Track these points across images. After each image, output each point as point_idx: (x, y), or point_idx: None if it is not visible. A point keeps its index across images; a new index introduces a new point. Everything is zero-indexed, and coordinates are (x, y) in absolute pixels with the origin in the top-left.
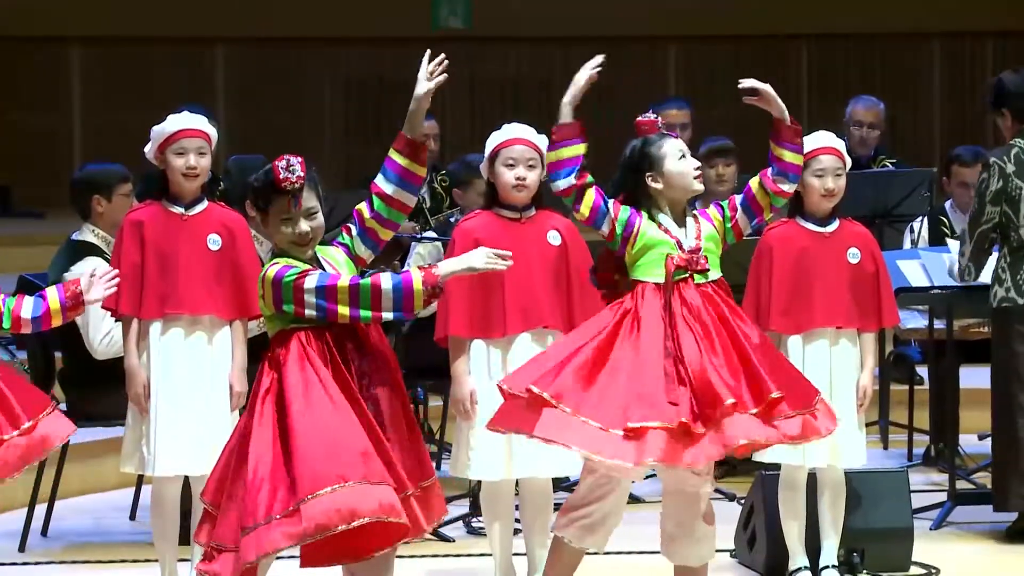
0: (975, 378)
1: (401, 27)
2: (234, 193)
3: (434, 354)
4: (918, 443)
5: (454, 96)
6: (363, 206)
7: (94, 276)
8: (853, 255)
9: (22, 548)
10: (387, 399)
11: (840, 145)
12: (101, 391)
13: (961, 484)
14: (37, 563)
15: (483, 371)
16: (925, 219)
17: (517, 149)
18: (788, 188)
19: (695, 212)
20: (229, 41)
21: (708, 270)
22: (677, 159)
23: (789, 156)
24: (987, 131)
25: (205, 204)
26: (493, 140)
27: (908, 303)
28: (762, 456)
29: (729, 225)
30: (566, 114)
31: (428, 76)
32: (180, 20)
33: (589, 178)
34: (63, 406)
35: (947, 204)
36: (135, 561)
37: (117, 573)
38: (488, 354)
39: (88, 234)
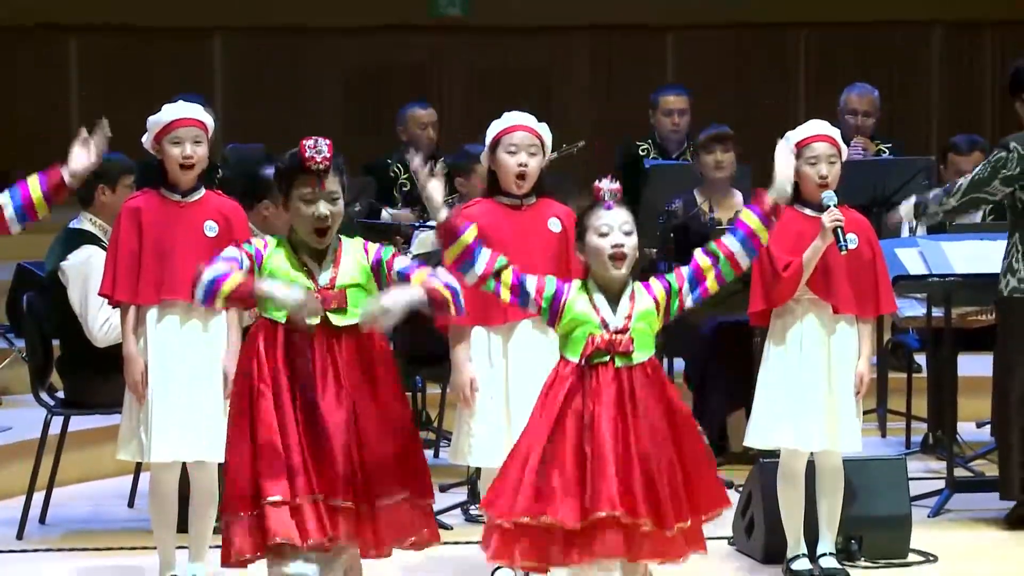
0: (973, 366)
1: (399, 15)
2: (232, 181)
3: (433, 341)
4: (916, 431)
5: (452, 85)
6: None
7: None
8: (851, 241)
9: (20, 535)
10: (343, 406)
11: (834, 133)
12: (98, 379)
13: (959, 472)
14: (35, 550)
15: (484, 358)
16: None
17: (518, 136)
18: (734, 249)
19: (635, 286)
20: (227, 30)
21: (631, 352)
22: (598, 235)
23: (751, 221)
24: (985, 120)
25: (202, 192)
26: (494, 128)
27: (906, 291)
28: (757, 442)
29: (676, 302)
30: (440, 215)
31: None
32: (178, 10)
33: (499, 260)
34: (60, 394)
35: None
36: (133, 548)
37: (115, 560)
38: (489, 341)
39: (86, 223)
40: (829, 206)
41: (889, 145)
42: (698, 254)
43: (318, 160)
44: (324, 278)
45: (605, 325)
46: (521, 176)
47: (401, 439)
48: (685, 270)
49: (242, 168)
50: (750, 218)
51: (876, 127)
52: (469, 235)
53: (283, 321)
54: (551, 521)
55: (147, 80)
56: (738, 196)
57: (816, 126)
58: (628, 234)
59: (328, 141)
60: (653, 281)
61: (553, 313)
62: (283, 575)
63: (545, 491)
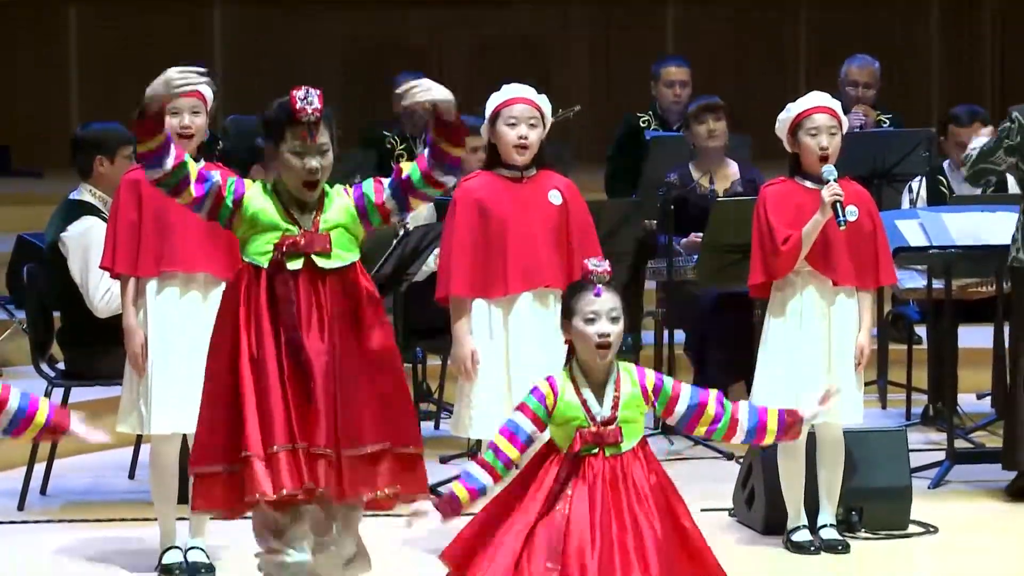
0: (973, 338)
1: None
2: (233, 153)
3: (434, 313)
4: (916, 402)
5: (452, 57)
6: (409, 166)
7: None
8: (851, 213)
9: (21, 507)
10: (327, 350)
11: (835, 105)
12: (99, 350)
13: (959, 443)
14: (36, 521)
15: (484, 331)
16: (924, 179)
17: (518, 108)
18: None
19: (621, 368)
20: (227, 1)
21: (620, 443)
22: (584, 320)
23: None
24: (985, 92)
25: (201, 164)
26: (493, 100)
27: (907, 263)
28: None
29: (663, 407)
30: None
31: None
32: None
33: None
34: (61, 365)
35: (945, 164)
36: (134, 520)
37: (116, 532)
38: (490, 313)
39: (86, 194)
40: (829, 180)
41: (890, 116)
42: (712, 399)
43: (309, 111)
44: (307, 222)
45: (592, 418)
46: (521, 148)
47: (387, 382)
48: (686, 389)
49: (242, 139)
50: (772, 418)
51: (876, 98)
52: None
53: (266, 266)
54: None
55: (146, 50)
56: (733, 166)
57: (817, 98)
58: (615, 320)
59: (319, 91)
60: (648, 372)
61: (548, 412)
62: (276, 563)
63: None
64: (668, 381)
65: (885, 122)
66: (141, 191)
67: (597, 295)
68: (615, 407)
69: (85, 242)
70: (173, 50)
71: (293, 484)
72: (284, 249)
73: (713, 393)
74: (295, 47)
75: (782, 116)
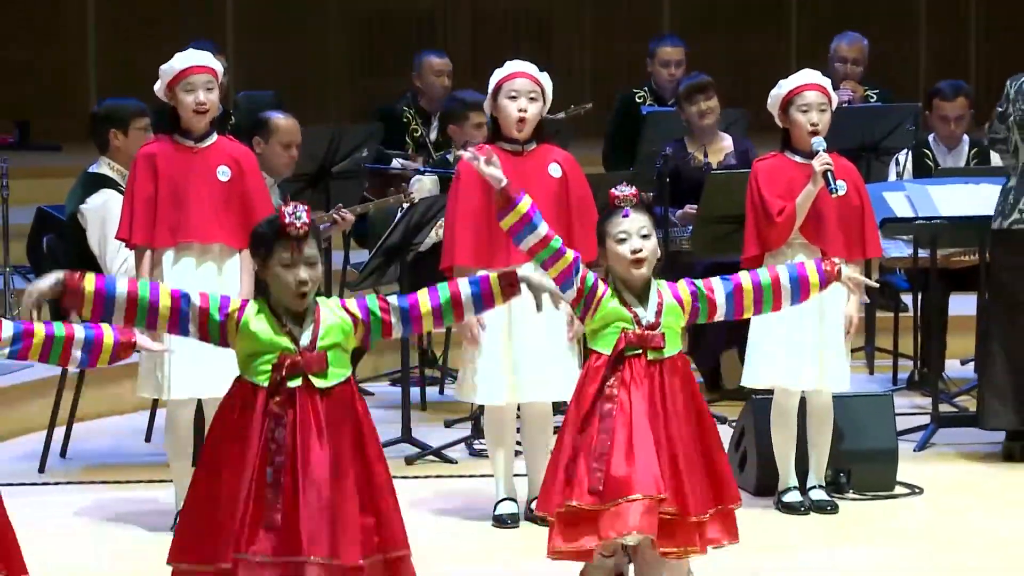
0: (958, 305)
1: None
2: (244, 127)
3: (438, 282)
4: (902, 368)
5: (457, 29)
6: (425, 296)
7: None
8: (841, 187)
9: (42, 469)
10: (324, 463)
11: (825, 82)
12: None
13: (944, 407)
14: (56, 483)
15: None
16: (910, 152)
17: (519, 82)
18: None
19: (659, 284)
20: None
21: (663, 347)
22: (616, 241)
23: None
24: (970, 65)
25: (215, 138)
26: (495, 76)
27: (893, 233)
28: (753, 382)
29: (705, 306)
30: (500, 185)
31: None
32: None
33: (555, 239)
34: None
35: (930, 137)
36: (151, 481)
37: (133, 493)
38: None
39: (104, 167)
40: (819, 151)
41: (877, 92)
42: (743, 275)
43: (297, 226)
44: (305, 339)
45: (637, 321)
46: (521, 121)
47: (382, 500)
48: (718, 281)
49: (253, 115)
50: (811, 270)
51: (865, 74)
52: (524, 204)
53: (265, 385)
54: (579, 505)
55: (161, 24)
56: (727, 140)
57: (807, 75)
58: (646, 237)
59: (306, 206)
60: (680, 283)
61: (587, 306)
62: None
63: (575, 479)
64: (698, 282)
65: (872, 97)
66: (156, 164)
67: (626, 215)
68: (659, 313)
69: (103, 214)
70: (187, 26)
71: None
72: (284, 371)
73: (743, 272)
74: (305, 18)
75: (774, 93)
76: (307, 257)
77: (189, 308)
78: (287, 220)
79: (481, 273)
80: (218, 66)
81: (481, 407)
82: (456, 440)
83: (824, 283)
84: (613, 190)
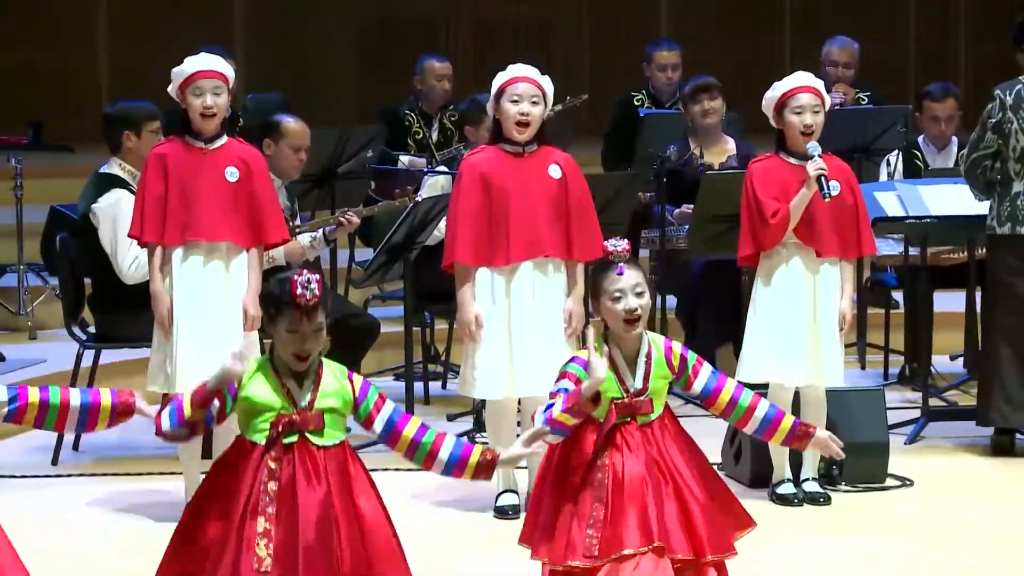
0: (947, 302)
1: None
2: (252, 129)
3: (441, 280)
4: (893, 363)
5: (459, 35)
6: (414, 426)
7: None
8: (834, 187)
9: (55, 461)
10: (318, 508)
11: (818, 84)
12: (127, 315)
13: (934, 401)
14: (69, 475)
15: (487, 297)
16: (900, 153)
17: (521, 86)
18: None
19: (651, 340)
20: None
21: (651, 413)
22: (611, 299)
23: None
24: (959, 67)
25: (224, 139)
26: (498, 79)
27: (884, 232)
28: (749, 377)
29: (685, 381)
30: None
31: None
32: None
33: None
34: (92, 328)
35: (920, 139)
36: (161, 474)
37: (144, 485)
38: (492, 281)
39: (116, 167)
40: (813, 156)
41: (868, 94)
42: (729, 384)
43: (308, 298)
44: (304, 400)
45: (626, 389)
46: (523, 124)
47: (388, 558)
48: (706, 370)
49: (261, 117)
50: (786, 420)
51: (856, 77)
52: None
53: (262, 443)
54: (575, 565)
55: (172, 28)
56: (730, 142)
57: (801, 78)
58: (640, 295)
59: (318, 277)
60: (675, 346)
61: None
62: None
63: (569, 540)
64: (692, 356)
65: (863, 99)
66: (167, 165)
67: (620, 274)
68: (646, 379)
69: (114, 213)
70: (197, 29)
71: None
72: (280, 428)
73: (732, 382)
74: (311, 23)
75: (768, 95)
76: (314, 327)
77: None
78: (298, 291)
79: (468, 444)
80: (228, 71)
81: (482, 401)
82: (458, 433)
83: (790, 441)
84: (606, 244)
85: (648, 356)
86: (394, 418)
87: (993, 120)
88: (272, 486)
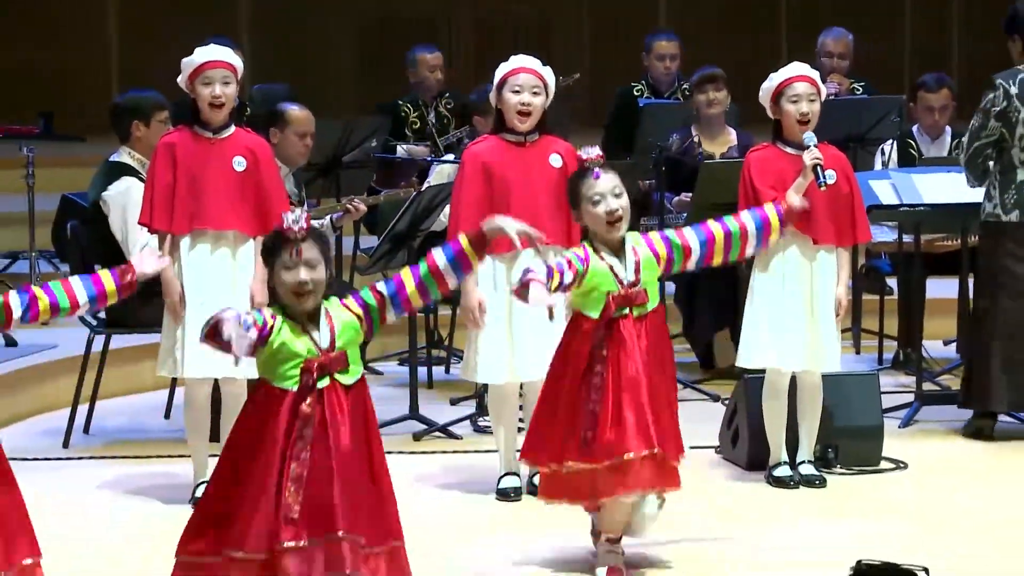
0: (940, 289)
1: None
2: (258, 119)
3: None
4: (888, 348)
5: (459, 31)
6: (408, 276)
7: (144, 251)
8: (829, 176)
9: (66, 444)
10: (351, 450)
11: (813, 74)
12: (137, 300)
13: (927, 386)
14: (80, 458)
15: (490, 283)
16: (895, 143)
17: (522, 77)
18: (691, 245)
19: (633, 238)
20: None
21: (647, 303)
22: (591, 204)
23: (775, 221)
24: (953, 58)
25: (232, 129)
26: (500, 70)
27: (879, 220)
28: (747, 362)
29: (680, 256)
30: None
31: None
32: None
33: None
34: (102, 314)
35: (914, 128)
36: (169, 456)
37: (153, 467)
38: (494, 268)
39: (125, 156)
40: (809, 145)
41: (863, 84)
42: (713, 224)
43: (295, 230)
44: (324, 341)
45: (620, 282)
46: (524, 114)
47: (385, 483)
48: (690, 231)
49: (267, 107)
50: (771, 213)
51: (850, 68)
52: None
53: (294, 389)
54: (591, 467)
55: (180, 22)
56: (732, 133)
57: (796, 68)
58: (618, 196)
59: (307, 212)
60: (653, 235)
61: (580, 278)
62: None
63: (570, 440)
64: (670, 232)
65: (858, 90)
66: (176, 154)
67: (597, 178)
68: (637, 271)
69: (124, 201)
70: (205, 22)
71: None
72: (314, 372)
73: (711, 222)
74: (315, 21)
75: (765, 85)
76: (307, 260)
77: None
78: (286, 224)
79: (454, 241)
80: (237, 61)
81: (485, 386)
82: (461, 417)
83: (783, 223)
84: (579, 152)
85: (634, 251)
86: (392, 291)
87: (997, 108)
88: (308, 432)
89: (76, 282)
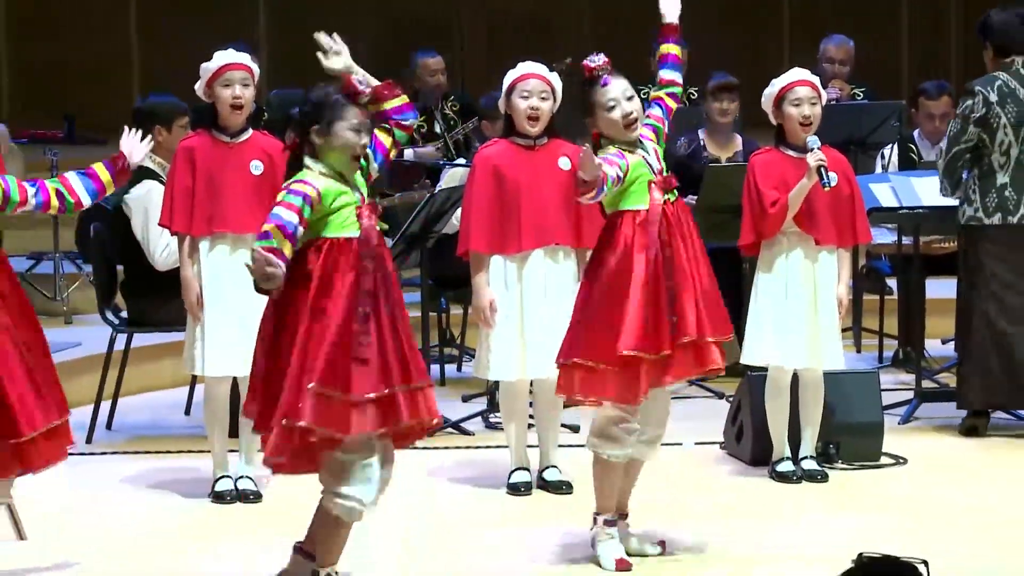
0: (939, 289)
1: None
2: (275, 123)
3: (456, 267)
4: (887, 347)
5: (471, 35)
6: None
7: (131, 138)
8: (832, 179)
9: (89, 440)
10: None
11: (814, 78)
12: (158, 300)
13: (926, 383)
14: (103, 453)
15: (500, 283)
16: (895, 146)
17: (531, 83)
18: (671, 75)
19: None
20: None
21: (677, 187)
22: (605, 110)
23: (671, 48)
24: (951, 66)
25: (249, 133)
26: (509, 76)
27: (879, 222)
28: (751, 360)
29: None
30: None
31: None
32: None
33: (611, 172)
34: (124, 313)
35: (915, 133)
36: (190, 452)
37: (174, 462)
38: (505, 268)
39: (147, 160)
40: (813, 148)
41: (863, 89)
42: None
43: (367, 93)
44: (364, 189)
45: (654, 171)
46: (533, 118)
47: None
48: (656, 109)
49: (284, 112)
50: (671, 48)
51: (851, 74)
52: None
53: (358, 235)
54: (652, 356)
55: (200, 26)
56: (738, 139)
57: (797, 73)
58: (630, 99)
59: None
60: (650, 122)
61: (622, 180)
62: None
63: (650, 327)
64: (655, 109)
65: (859, 95)
66: (195, 157)
67: (606, 84)
68: (658, 157)
69: (145, 203)
70: (224, 28)
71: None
72: (372, 218)
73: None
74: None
75: (767, 91)
76: (368, 122)
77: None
78: (360, 88)
79: None
80: (254, 65)
81: (496, 383)
82: (473, 414)
83: (676, 40)
84: (586, 61)
85: (646, 139)
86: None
87: (976, 115)
88: (367, 282)
89: (75, 181)
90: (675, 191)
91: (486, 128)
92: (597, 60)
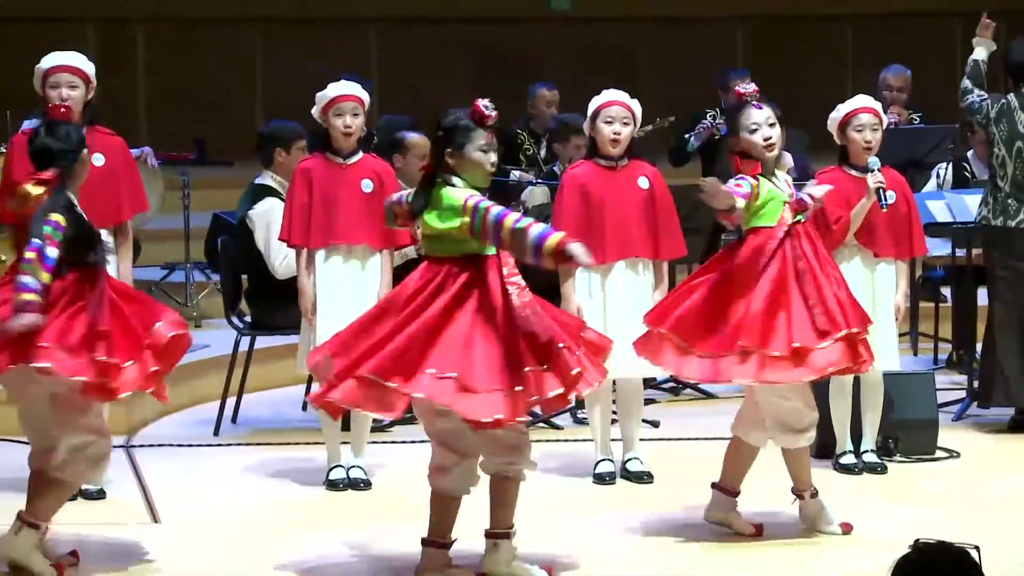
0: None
1: (520, 9)
2: (384, 147)
3: (544, 276)
4: (942, 350)
5: (560, 65)
6: (510, 218)
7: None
8: (890, 197)
9: (216, 433)
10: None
11: (877, 105)
12: (278, 306)
13: (977, 384)
14: (228, 445)
15: (586, 291)
16: (949, 166)
17: (614, 109)
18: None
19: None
20: (382, 21)
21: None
22: (748, 132)
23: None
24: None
25: (360, 155)
26: (594, 102)
27: (934, 235)
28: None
29: None
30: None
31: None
32: (339, 3)
33: (739, 199)
34: (248, 318)
35: (969, 153)
36: (307, 444)
37: (292, 453)
38: (590, 278)
39: (268, 179)
40: (873, 170)
41: (920, 115)
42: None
43: (494, 117)
44: None
45: (786, 194)
46: (615, 142)
47: None
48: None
49: (392, 135)
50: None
51: (909, 100)
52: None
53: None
54: (802, 345)
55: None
56: (787, 156)
57: (861, 100)
58: (772, 126)
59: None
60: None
61: (753, 199)
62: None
63: (789, 326)
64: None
65: (916, 120)
66: (312, 177)
67: (759, 107)
68: (788, 185)
69: (267, 219)
70: (339, 64)
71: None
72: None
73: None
74: (435, 58)
75: (832, 115)
76: (495, 144)
77: None
78: (487, 112)
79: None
80: (364, 95)
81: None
82: (562, 411)
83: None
84: (738, 87)
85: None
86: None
87: (977, 115)
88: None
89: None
90: (803, 214)
91: (557, 150)
92: (747, 87)
